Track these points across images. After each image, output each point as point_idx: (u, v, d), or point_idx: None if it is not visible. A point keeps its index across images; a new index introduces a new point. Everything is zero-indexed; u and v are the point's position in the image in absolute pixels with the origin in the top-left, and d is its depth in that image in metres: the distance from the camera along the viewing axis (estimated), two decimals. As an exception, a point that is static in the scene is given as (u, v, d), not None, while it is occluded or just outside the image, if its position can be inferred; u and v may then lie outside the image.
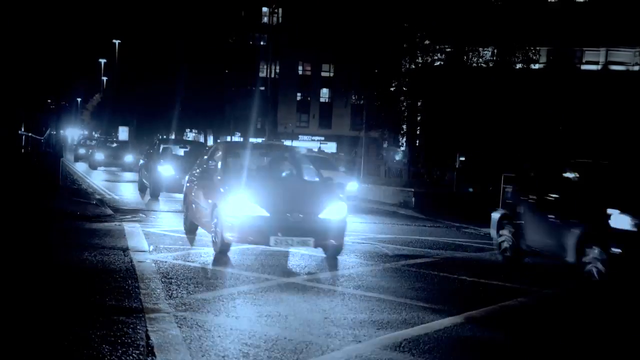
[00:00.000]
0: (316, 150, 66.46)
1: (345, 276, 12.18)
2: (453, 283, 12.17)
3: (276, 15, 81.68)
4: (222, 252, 13.30)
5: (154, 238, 15.29)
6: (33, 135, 29.27)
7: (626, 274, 12.32)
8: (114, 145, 54.84)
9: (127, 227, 16.72)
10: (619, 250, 12.19)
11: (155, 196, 25.96)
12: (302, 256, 14.04)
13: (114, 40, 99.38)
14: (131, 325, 7.71)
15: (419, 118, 46.25)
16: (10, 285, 9.64)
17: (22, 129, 27.73)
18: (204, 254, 13.50)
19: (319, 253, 13.98)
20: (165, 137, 69.06)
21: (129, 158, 48.65)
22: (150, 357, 6.71)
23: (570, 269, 13.19)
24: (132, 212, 20.80)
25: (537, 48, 42.27)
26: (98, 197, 25.00)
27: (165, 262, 12.20)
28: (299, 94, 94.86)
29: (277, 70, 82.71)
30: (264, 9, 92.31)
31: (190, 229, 16.00)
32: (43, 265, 11.30)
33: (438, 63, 43.17)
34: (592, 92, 43.22)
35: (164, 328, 7.70)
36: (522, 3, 40.99)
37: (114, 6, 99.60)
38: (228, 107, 69.05)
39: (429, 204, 29.81)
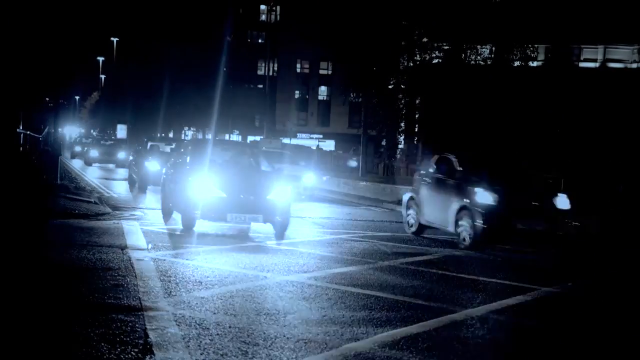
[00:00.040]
0: (314, 147, 66.55)
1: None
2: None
3: (274, 12, 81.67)
4: (189, 227, 16.33)
5: (153, 236, 15.30)
6: (31, 134, 29.26)
7: (488, 238, 16.20)
8: (108, 143, 58.84)
9: (126, 225, 16.73)
10: (482, 220, 16.02)
11: (142, 189, 28.10)
12: (259, 231, 17.54)
13: (112, 38, 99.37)
14: (130, 324, 7.71)
15: (417, 116, 46.26)
16: (8, 284, 9.63)
17: (21, 127, 27.70)
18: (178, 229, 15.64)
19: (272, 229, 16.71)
20: (162, 135, 69.09)
21: (121, 155, 51.16)
22: (149, 355, 6.70)
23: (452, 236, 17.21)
24: (131, 210, 20.82)
25: (535, 46, 42.30)
26: (97, 195, 25.03)
27: (164, 260, 12.20)
28: (297, 92, 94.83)
29: (276, 68, 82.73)
30: (262, 7, 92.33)
31: (167, 211, 18.45)
32: (42, 263, 11.29)
33: (436, 61, 43.19)
34: (590, 89, 43.24)
35: (163, 326, 7.70)
36: (520, 0, 41.00)
37: (112, 4, 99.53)
38: (226, 105, 69.04)
39: None
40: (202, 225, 16.91)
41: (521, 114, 39.75)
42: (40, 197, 20.85)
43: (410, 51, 43.78)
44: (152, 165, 27.23)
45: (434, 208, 18.12)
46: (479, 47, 41.35)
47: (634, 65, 57.37)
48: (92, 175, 39.66)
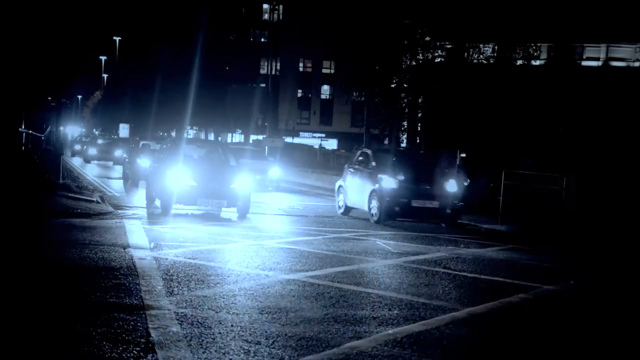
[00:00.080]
0: (317, 146, 66.50)
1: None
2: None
3: (277, 12, 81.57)
4: (166, 210, 19.36)
5: (155, 235, 15.31)
6: (33, 133, 29.28)
7: (390, 214, 20.75)
8: (106, 141, 61.26)
9: (128, 224, 16.75)
10: (386, 200, 20.59)
11: (135, 184, 30.04)
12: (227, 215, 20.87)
13: (114, 38, 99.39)
14: (132, 323, 7.72)
15: (419, 115, 46.20)
16: (11, 283, 9.64)
17: (23, 127, 27.73)
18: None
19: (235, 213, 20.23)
20: (164, 134, 69.09)
21: (118, 153, 52.35)
22: (151, 354, 6.71)
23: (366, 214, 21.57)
24: (132, 209, 20.84)
25: (538, 44, 42.21)
26: (98, 194, 25.04)
27: (166, 259, 12.21)
28: (299, 91, 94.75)
29: (278, 67, 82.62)
30: (265, 6, 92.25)
31: (150, 198, 20.99)
32: (44, 262, 11.31)
33: (439, 59, 43.12)
34: (592, 88, 43.17)
35: (165, 325, 7.71)
36: (522, -1, 40.93)
37: (114, 3, 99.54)
38: (229, 105, 69.01)
39: None
40: (179, 209, 20.35)
41: (524, 112, 39.68)
42: (42, 196, 20.88)
43: (412, 50, 43.71)
44: (144, 162, 28.44)
45: (355, 192, 22.45)
46: (481, 46, 41.27)
47: (637, 64, 57.27)
48: (92, 173, 40.02)
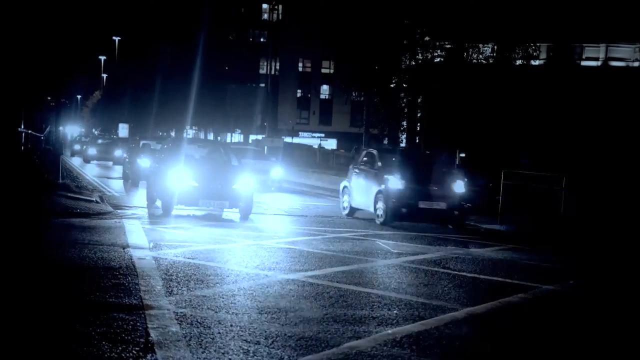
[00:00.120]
0: (317, 146, 66.49)
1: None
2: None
3: (276, 11, 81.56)
4: (167, 211, 19.06)
5: (154, 235, 15.31)
6: (33, 133, 29.27)
7: (396, 215, 20.32)
8: (105, 141, 61.14)
9: (127, 223, 16.75)
10: (392, 201, 20.17)
11: (135, 184, 29.87)
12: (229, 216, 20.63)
13: (113, 37, 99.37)
14: (131, 322, 7.72)
15: (419, 114, 46.19)
16: (10, 282, 9.64)
17: (22, 127, 27.72)
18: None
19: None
20: (163, 134, 69.09)
21: (118, 153, 52.34)
22: (150, 354, 6.71)
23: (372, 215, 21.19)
24: (132, 209, 20.83)
25: (537, 44, 42.20)
26: (98, 194, 25.02)
27: (166, 258, 12.21)
28: (299, 91, 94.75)
29: (278, 67, 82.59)
30: (264, 6, 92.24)
31: (151, 199, 20.88)
32: (44, 262, 11.31)
33: (438, 59, 43.11)
34: (592, 88, 43.18)
35: (164, 325, 7.71)
36: (521, -1, 40.93)
37: (113, 3, 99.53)
38: (228, 104, 69.00)
39: None
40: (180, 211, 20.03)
41: (523, 112, 39.67)
42: (41, 196, 20.86)
43: (412, 50, 43.68)
44: (144, 162, 28.31)
45: (360, 193, 22.11)
46: (481, 45, 41.25)
47: (636, 64, 57.28)
48: (91, 173, 39.97)
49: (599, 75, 48.30)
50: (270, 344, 7.35)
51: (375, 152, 22.67)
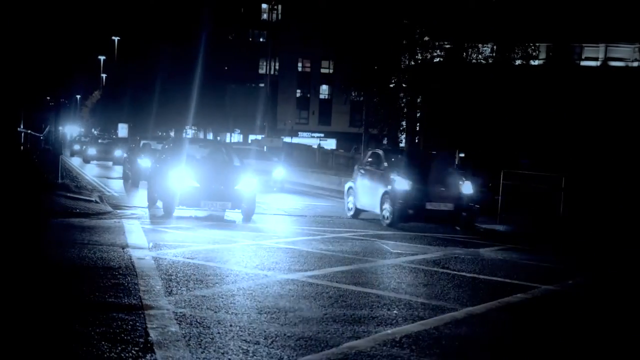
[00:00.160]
0: (316, 146, 66.49)
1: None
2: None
3: (276, 11, 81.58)
4: (169, 212, 18.88)
5: (153, 235, 15.31)
6: (32, 133, 29.26)
7: (403, 216, 20.02)
8: (105, 141, 61.25)
9: (127, 224, 16.75)
10: (399, 202, 19.84)
11: (135, 184, 29.68)
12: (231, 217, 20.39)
13: (113, 37, 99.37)
14: (130, 322, 7.71)
15: (418, 115, 46.20)
16: (9, 283, 9.64)
17: (21, 126, 27.71)
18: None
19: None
20: (162, 134, 69.11)
21: (118, 153, 52.64)
22: (149, 354, 6.71)
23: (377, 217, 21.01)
24: (132, 209, 20.83)
25: (537, 44, 42.23)
26: (97, 193, 25.03)
27: (165, 258, 12.20)
28: (298, 91, 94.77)
29: (277, 67, 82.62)
30: (264, 6, 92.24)
31: (152, 200, 20.79)
32: (43, 262, 11.30)
33: (437, 59, 43.12)
34: (591, 88, 43.20)
35: (164, 325, 7.71)
36: (521, -1, 40.95)
37: (113, 3, 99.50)
38: (228, 104, 69.03)
39: None
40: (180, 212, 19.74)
41: (523, 112, 39.70)
42: (41, 196, 20.86)
43: (411, 50, 43.68)
44: (144, 162, 28.21)
45: (366, 194, 21.79)
46: (480, 45, 41.28)
47: (635, 64, 57.30)
48: (91, 173, 40.02)
49: (598, 75, 48.34)
50: (270, 344, 7.35)
51: (381, 152, 22.35)
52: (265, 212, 22.55)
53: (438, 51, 42.91)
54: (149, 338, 7.16)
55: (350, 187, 22.99)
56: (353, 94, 51.77)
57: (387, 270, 12.69)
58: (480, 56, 41.32)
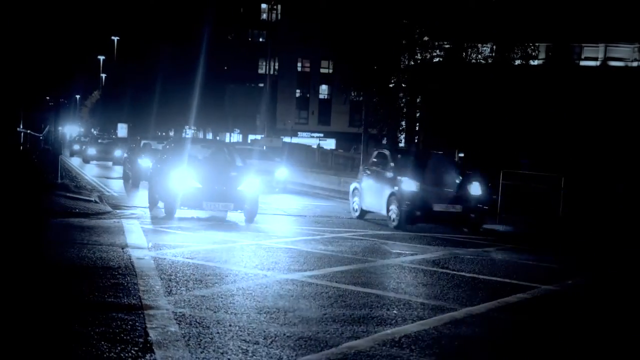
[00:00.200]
0: (316, 145, 66.52)
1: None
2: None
3: (275, 11, 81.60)
4: (170, 213, 18.67)
5: (153, 235, 15.31)
6: (32, 133, 29.26)
7: (410, 218, 19.54)
8: (105, 141, 60.78)
9: (126, 223, 16.75)
10: (406, 203, 19.48)
11: (136, 184, 29.61)
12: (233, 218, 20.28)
13: (112, 37, 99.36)
14: (130, 322, 7.71)
15: (418, 114, 46.20)
16: (9, 282, 9.63)
17: (21, 126, 27.71)
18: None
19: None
20: (162, 134, 69.13)
21: (118, 153, 52.56)
22: (149, 354, 6.71)
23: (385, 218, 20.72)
24: (131, 209, 20.83)
25: (536, 44, 42.21)
26: (97, 193, 25.02)
27: (165, 258, 12.20)
28: (298, 91, 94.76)
29: (276, 67, 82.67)
30: (263, 6, 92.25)
31: (153, 201, 20.53)
32: (42, 262, 11.30)
33: (437, 59, 43.12)
34: (591, 88, 43.20)
35: (163, 325, 7.70)
36: (520, -1, 40.95)
37: (113, 3, 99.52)
38: (227, 104, 69.05)
39: None
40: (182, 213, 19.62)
41: (522, 112, 39.69)
42: (40, 196, 20.85)
43: (411, 50, 43.66)
44: (145, 162, 28.11)
45: (372, 195, 21.43)
46: (479, 45, 41.25)
47: (635, 64, 57.29)
48: (90, 174, 39.98)
49: (598, 75, 48.33)
50: (269, 344, 7.35)
51: (387, 152, 21.86)
52: (265, 212, 22.47)
53: (437, 51, 42.89)
54: (149, 338, 7.15)
55: (355, 188, 22.64)
56: (352, 94, 51.72)
57: (387, 270, 12.69)
58: (479, 56, 41.30)
